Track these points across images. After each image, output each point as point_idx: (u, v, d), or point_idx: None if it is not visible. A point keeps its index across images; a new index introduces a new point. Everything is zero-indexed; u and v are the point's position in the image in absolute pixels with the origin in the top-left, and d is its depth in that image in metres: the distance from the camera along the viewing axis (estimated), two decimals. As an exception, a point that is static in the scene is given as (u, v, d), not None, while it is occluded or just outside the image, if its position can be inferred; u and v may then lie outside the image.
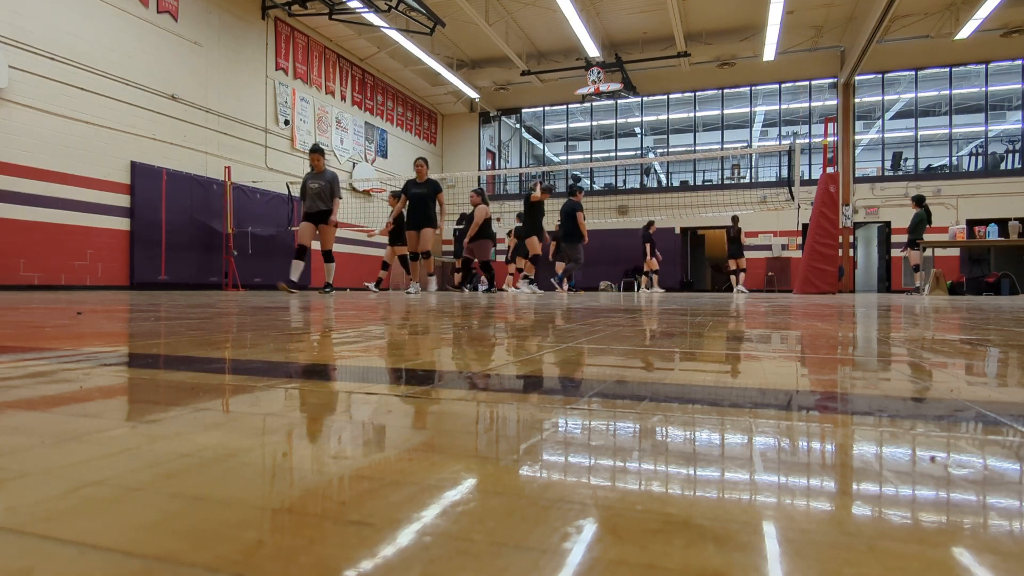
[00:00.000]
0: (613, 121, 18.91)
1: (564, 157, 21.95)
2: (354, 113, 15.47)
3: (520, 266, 10.69)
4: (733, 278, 14.52)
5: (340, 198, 8.10)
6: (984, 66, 15.58)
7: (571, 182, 21.31)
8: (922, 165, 17.48)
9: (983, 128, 16.16)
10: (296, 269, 8.02)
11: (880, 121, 18.22)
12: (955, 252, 15.22)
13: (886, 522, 0.37)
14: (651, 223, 14.40)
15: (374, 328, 2.06)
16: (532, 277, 10.41)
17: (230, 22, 11.55)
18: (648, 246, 14.33)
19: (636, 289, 15.97)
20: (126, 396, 0.82)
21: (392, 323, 2.31)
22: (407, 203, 8.80)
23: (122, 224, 9.48)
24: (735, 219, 14.39)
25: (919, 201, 11.53)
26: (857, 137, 17.55)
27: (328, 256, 8.15)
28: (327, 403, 0.77)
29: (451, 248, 19.67)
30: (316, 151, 8.03)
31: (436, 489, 0.43)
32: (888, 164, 16.97)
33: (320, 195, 8.00)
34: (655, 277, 14.56)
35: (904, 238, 12.61)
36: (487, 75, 17.76)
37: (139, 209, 9.62)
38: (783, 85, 17.20)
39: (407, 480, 0.45)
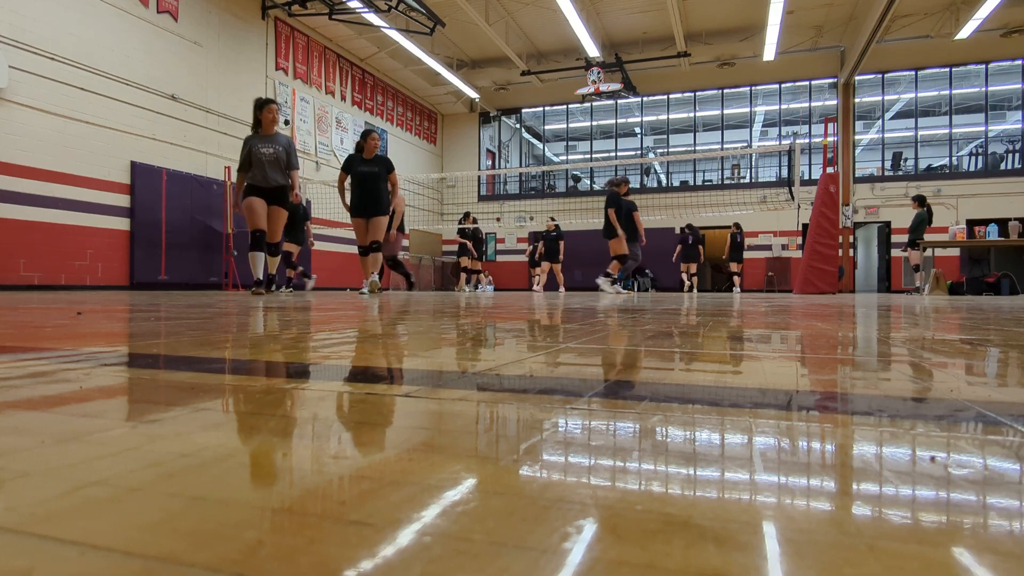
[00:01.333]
0: (613, 121, 18.91)
1: (564, 157, 21.95)
2: (354, 113, 15.48)
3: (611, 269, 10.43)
4: (737, 279, 15.09)
5: (298, 169, 6.62)
6: (984, 66, 15.59)
7: (571, 183, 21.31)
8: (922, 165, 17.48)
9: (983, 128, 16.17)
10: (260, 263, 6.43)
11: (880, 121, 18.22)
12: (955, 252, 15.22)
13: (886, 522, 0.37)
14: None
15: (373, 328, 2.06)
16: (616, 276, 10.20)
17: (230, 22, 11.55)
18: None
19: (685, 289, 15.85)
20: (126, 396, 0.82)
21: (392, 324, 2.31)
22: (347, 182, 7.16)
23: (122, 224, 9.48)
24: (739, 226, 15.00)
25: (921, 201, 11.54)
26: (857, 137, 17.56)
27: (275, 248, 6.57)
28: (327, 403, 0.77)
29: (454, 248, 19.67)
30: (271, 103, 6.40)
31: (436, 489, 0.43)
32: (888, 164, 16.98)
33: (277, 164, 6.33)
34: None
35: (904, 238, 12.62)
36: (487, 75, 17.77)
37: (139, 209, 9.63)
38: (783, 85, 17.20)
39: (407, 480, 0.45)
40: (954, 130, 16.78)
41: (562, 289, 14.17)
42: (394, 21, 13.36)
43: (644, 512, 0.39)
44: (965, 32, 13.59)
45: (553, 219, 14.53)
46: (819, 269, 10.90)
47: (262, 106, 6.39)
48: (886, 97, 17.30)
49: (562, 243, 14.11)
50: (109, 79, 9.22)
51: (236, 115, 11.64)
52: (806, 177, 16.07)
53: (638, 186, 18.88)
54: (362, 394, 0.82)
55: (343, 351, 1.36)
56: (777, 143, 17.77)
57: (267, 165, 6.29)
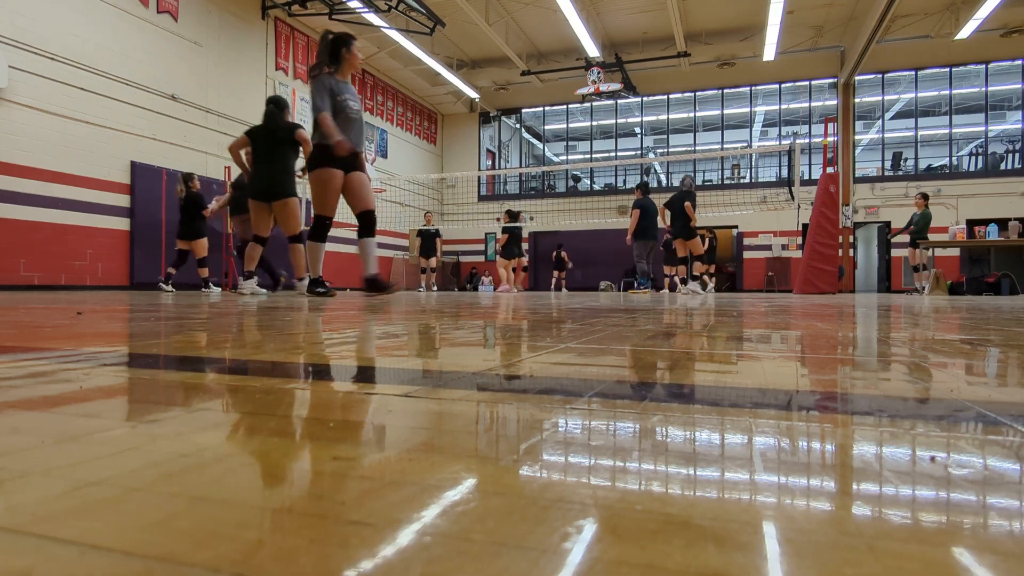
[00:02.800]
0: (613, 121, 18.91)
1: (564, 157, 21.95)
2: (354, 113, 15.48)
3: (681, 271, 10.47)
4: (706, 279, 15.89)
5: None
6: (984, 66, 15.59)
7: (571, 183, 21.30)
8: (922, 165, 17.49)
9: (983, 128, 16.17)
10: (321, 257, 4.92)
11: (880, 121, 18.23)
12: (955, 252, 15.22)
13: (886, 522, 0.37)
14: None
15: (376, 328, 2.06)
16: (685, 277, 10.31)
17: (230, 22, 11.56)
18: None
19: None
20: (126, 396, 0.82)
21: (397, 323, 2.31)
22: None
23: (122, 224, 9.49)
24: (712, 230, 15.82)
25: (927, 198, 11.58)
26: (857, 137, 17.57)
27: (371, 225, 4.83)
28: (327, 403, 0.77)
29: (454, 249, 19.67)
30: (353, 38, 4.77)
31: (436, 489, 0.43)
32: (888, 164, 16.98)
33: (360, 126, 4.76)
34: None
35: (905, 238, 12.61)
36: (487, 75, 17.77)
37: (139, 209, 9.63)
38: (783, 85, 17.21)
39: (407, 480, 0.45)
40: (954, 130, 16.79)
41: (506, 286, 12.84)
42: (394, 21, 13.36)
43: (644, 512, 0.39)
44: (965, 32, 13.59)
45: (510, 211, 13.26)
46: (819, 269, 10.90)
47: (349, 41, 4.63)
48: (886, 97, 17.30)
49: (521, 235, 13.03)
50: (109, 79, 9.22)
51: (236, 115, 11.64)
52: (806, 177, 16.07)
53: (638, 186, 18.91)
54: (362, 394, 0.82)
55: (341, 351, 1.36)
56: (777, 143, 17.77)
57: (357, 125, 4.70)
